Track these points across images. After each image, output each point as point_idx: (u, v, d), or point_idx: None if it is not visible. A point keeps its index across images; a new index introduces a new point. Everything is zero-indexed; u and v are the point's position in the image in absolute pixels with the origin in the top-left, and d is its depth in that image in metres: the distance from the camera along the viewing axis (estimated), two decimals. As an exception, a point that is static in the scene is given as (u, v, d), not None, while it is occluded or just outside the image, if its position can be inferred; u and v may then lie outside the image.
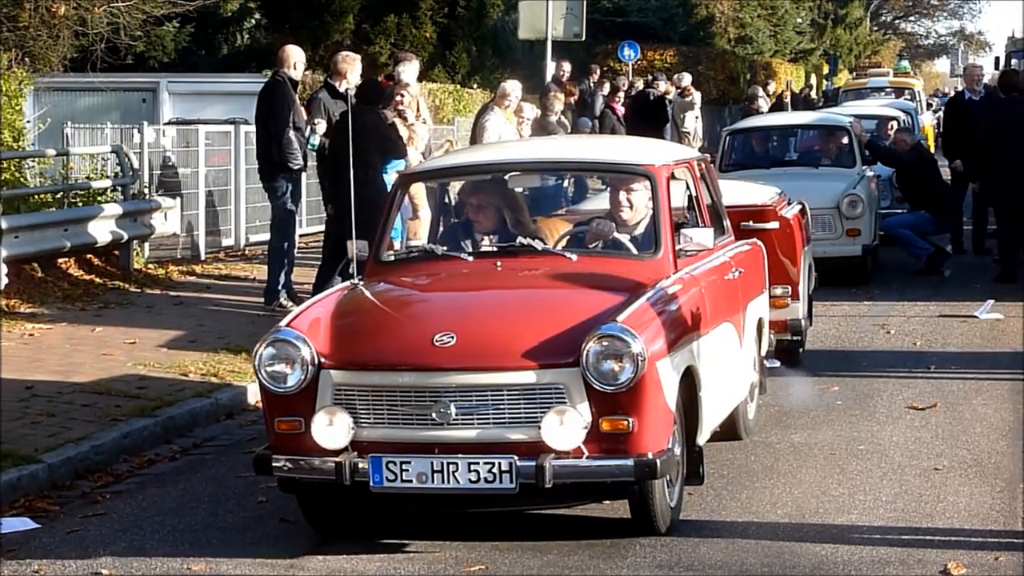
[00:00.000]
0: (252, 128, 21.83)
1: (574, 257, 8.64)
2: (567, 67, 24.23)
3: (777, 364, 11.49)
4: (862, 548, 7.65)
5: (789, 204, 12.49)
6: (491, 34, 36.27)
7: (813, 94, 42.15)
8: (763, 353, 10.67)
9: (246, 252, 19.89)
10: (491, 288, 8.45)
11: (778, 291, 11.67)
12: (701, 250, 8.89)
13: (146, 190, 18.41)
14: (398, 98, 14.78)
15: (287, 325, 7.86)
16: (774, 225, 11.57)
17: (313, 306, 8.24)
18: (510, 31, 34.20)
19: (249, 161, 20.57)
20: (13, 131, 18.14)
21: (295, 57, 14.84)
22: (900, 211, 20.44)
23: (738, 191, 12.07)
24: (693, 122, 26.96)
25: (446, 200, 9.71)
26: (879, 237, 18.35)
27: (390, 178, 13.20)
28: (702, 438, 8.39)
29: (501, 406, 7.48)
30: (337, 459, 7.52)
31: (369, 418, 7.59)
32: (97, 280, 16.55)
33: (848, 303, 15.90)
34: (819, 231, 16.96)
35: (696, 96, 27.38)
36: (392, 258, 9.04)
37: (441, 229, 9.52)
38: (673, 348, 7.82)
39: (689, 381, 8.11)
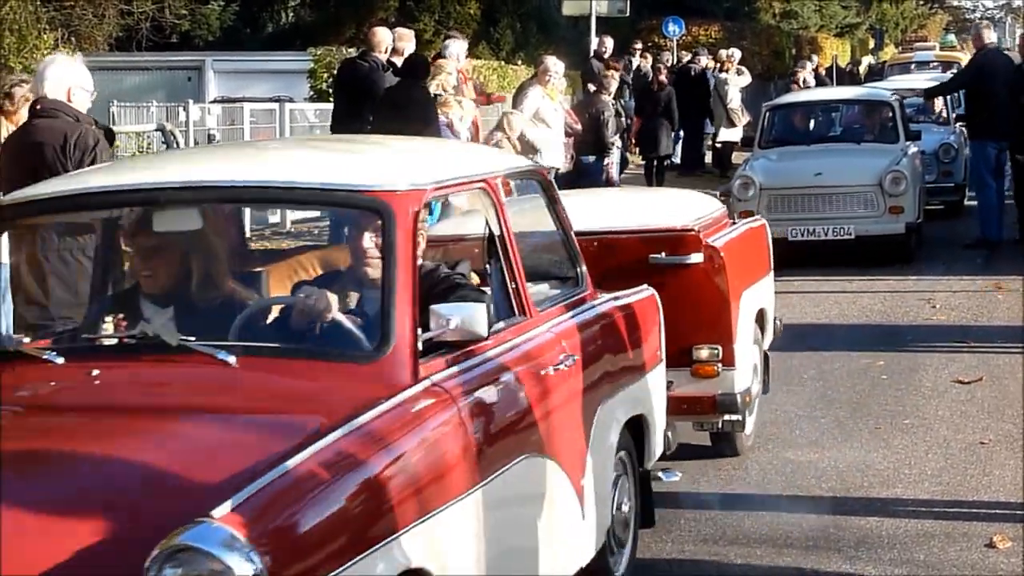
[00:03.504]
0: (296, 106, 22.12)
1: (232, 360, 5.04)
2: (609, 43, 24.19)
3: (677, 477, 7.63)
4: (907, 521, 7.65)
5: (733, 224, 9.30)
6: (535, 10, 36.29)
7: (866, 67, 41.73)
8: (650, 465, 7.12)
9: (291, 230, 19.97)
10: (46, 432, 4.84)
11: (703, 353, 8.26)
12: (471, 339, 5.24)
13: (192, 168, 18.51)
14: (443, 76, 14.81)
15: None
16: (696, 259, 8.21)
17: None
18: (554, 7, 34.18)
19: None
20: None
21: (387, 41, 14.80)
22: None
23: (654, 206, 9.25)
24: (737, 97, 26.91)
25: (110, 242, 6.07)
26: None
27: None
28: None
29: None
30: None
31: None
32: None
33: (893, 278, 15.84)
34: (861, 209, 16.80)
35: (732, 74, 27.28)
36: None
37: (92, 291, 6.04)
38: (358, 549, 4.36)
39: None
